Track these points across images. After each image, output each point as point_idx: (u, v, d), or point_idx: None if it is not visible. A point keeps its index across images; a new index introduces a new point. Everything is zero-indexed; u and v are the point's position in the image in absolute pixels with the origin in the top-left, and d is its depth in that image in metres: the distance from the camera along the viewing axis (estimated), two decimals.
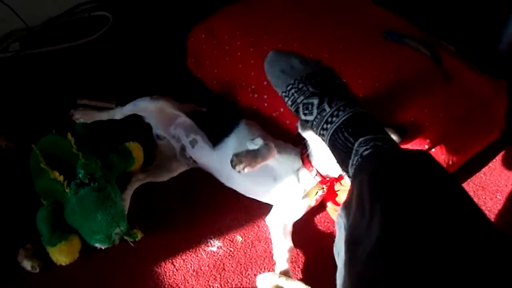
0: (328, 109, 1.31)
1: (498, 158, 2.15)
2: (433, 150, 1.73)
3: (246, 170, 1.48)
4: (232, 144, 1.75)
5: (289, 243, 1.66)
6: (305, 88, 1.36)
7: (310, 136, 1.60)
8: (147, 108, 1.86)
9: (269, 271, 1.62)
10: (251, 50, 2.00)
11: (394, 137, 1.51)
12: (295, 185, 1.68)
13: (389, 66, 1.93)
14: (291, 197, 1.70)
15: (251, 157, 1.51)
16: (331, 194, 1.82)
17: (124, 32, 2.59)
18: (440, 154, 1.74)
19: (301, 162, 1.68)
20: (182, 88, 2.23)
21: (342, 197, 1.79)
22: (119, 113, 1.88)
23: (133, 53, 2.48)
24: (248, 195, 1.79)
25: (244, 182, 1.76)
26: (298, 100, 1.36)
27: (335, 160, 1.33)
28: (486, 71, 2.10)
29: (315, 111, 1.34)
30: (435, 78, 1.95)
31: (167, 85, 2.26)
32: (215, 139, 1.79)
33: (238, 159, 1.48)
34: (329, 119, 1.28)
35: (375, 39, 2.07)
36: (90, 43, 2.50)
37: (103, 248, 1.59)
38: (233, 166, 1.47)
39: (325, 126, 1.29)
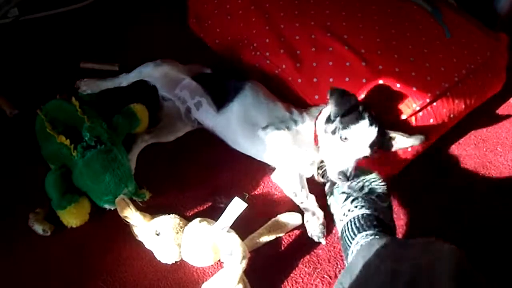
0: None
1: (499, 111, 2.18)
2: (434, 104, 1.74)
3: None
4: (236, 110, 1.77)
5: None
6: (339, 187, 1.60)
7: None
8: (151, 74, 1.87)
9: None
10: (252, 8, 2.00)
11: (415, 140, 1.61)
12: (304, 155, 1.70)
13: (390, 21, 1.93)
14: (299, 163, 1.71)
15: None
16: None
17: None
18: (442, 107, 1.76)
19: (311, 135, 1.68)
20: (186, 48, 2.22)
21: None
22: (124, 80, 1.88)
23: (133, 15, 2.47)
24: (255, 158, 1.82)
25: (251, 148, 1.78)
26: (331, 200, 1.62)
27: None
28: (486, 26, 2.10)
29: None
30: (436, 33, 1.95)
31: (170, 46, 2.25)
32: (220, 102, 1.81)
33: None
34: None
35: None
36: (89, 6, 2.48)
37: (112, 209, 1.62)
38: None
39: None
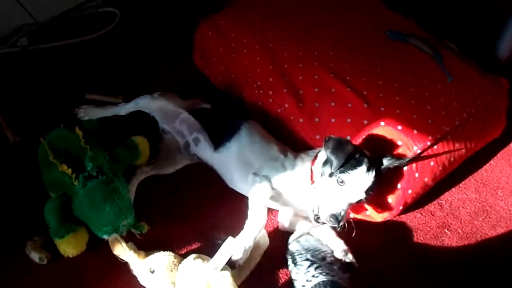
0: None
1: (499, 155, 2.18)
2: (435, 147, 1.75)
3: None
4: (232, 150, 1.78)
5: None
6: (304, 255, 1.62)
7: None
8: (148, 106, 1.92)
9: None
10: (257, 47, 2.04)
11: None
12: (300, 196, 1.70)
13: (393, 64, 1.96)
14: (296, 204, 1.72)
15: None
16: None
17: (132, 28, 2.63)
18: (442, 151, 1.77)
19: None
20: (189, 84, 2.26)
21: None
22: (122, 110, 1.94)
23: (140, 49, 2.52)
24: None
25: (246, 189, 1.75)
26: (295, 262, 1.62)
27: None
28: (487, 71, 2.13)
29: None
30: (437, 77, 1.98)
31: (173, 81, 2.29)
32: (217, 141, 1.82)
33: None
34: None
35: (378, 37, 2.10)
36: (97, 38, 2.54)
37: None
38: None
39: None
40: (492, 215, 1.92)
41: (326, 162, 1.58)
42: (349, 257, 1.63)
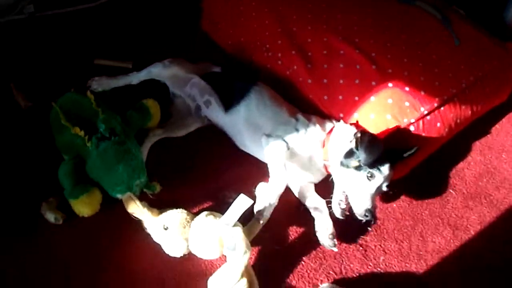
0: None
1: (505, 119, 2.21)
2: (442, 108, 1.77)
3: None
4: (242, 112, 1.80)
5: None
6: None
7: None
8: (160, 74, 1.94)
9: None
10: (265, 11, 2.05)
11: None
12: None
13: (401, 27, 1.97)
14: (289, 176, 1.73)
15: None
16: None
17: None
18: (449, 112, 1.79)
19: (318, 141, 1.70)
20: (198, 49, 2.26)
21: None
22: (134, 79, 1.95)
23: (149, 14, 2.51)
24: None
25: (256, 151, 1.81)
26: None
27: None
28: (495, 36, 2.13)
29: None
30: (445, 40, 1.99)
31: (183, 45, 2.30)
32: (227, 103, 1.84)
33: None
34: None
35: (387, 0, 2.11)
36: (104, 4, 2.53)
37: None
38: None
39: None
40: (496, 177, 1.96)
41: (351, 154, 1.59)
42: (334, 242, 1.61)
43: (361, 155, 1.54)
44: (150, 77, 1.94)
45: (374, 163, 1.54)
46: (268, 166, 1.65)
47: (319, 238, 1.63)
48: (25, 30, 2.37)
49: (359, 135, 1.57)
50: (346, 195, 1.61)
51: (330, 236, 1.61)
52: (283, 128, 1.70)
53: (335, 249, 1.61)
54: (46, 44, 2.30)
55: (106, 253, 1.58)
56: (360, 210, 1.56)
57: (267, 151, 1.66)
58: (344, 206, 1.61)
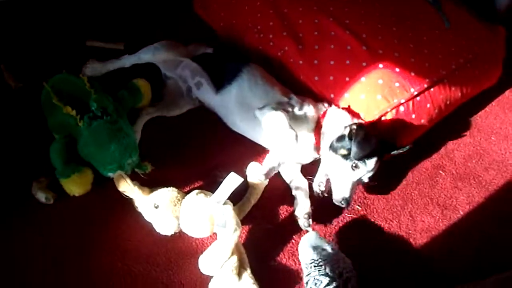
0: None
1: (495, 102, 2.23)
2: (432, 89, 1.79)
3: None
4: (234, 92, 1.80)
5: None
6: (323, 268, 1.47)
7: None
8: (152, 59, 1.94)
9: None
10: None
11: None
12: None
13: (392, 9, 1.98)
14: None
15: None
16: None
17: None
18: (438, 94, 1.81)
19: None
20: (190, 30, 2.26)
21: None
22: (126, 62, 1.95)
23: None
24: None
25: (248, 130, 1.82)
26: (313, 274, 1.47)
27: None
28: (486, 20, 2.15)
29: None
30: (436, 22, 2.00)
31: (174, 27, 2.29)
32: (219, 84, 1.84)
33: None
34: None
35: None
36: None
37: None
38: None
39: None
40: (485, 158, 1.98)
41: (341, 138, 1.61)
42: (309, 222, 1.62)
43: (353, 149, 1.57)
44: (141, 61, 1.94)
45: (362, 158, 1.58)
46: (272, 134, 1.64)
47: (296, 217, 1.65)
48: (16, 11, 2.34)
49: (354, 127, 1.59)
50: (328, 178, 1.65)
51: (305, 216, 1.63)
52: (277, 103, 1.69)
53: (309, 229, 1.62)
54: (37, 26, 2.28)
55: (97, 232, 1.58)
56: (338, 196, 1.61)
57: (266, 120, 1.64)
58: (323, 189, 1.66)
